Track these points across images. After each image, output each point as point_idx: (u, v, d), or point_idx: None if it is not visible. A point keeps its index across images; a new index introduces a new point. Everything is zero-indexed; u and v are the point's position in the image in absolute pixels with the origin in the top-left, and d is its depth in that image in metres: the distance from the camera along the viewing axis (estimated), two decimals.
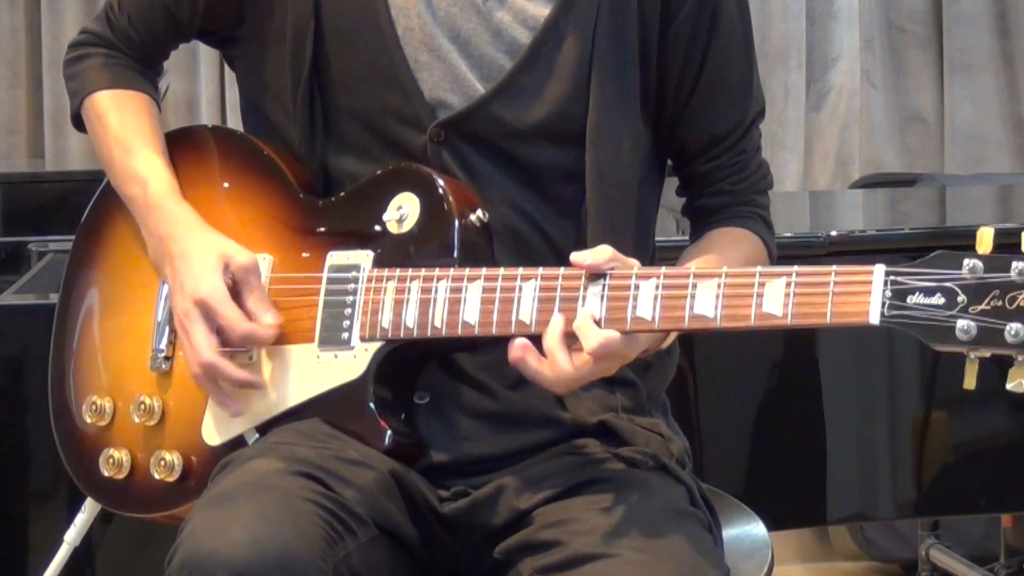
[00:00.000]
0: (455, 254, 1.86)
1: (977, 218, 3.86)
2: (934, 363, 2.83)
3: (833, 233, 2.85)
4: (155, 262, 1.99)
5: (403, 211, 1.90)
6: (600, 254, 1.77)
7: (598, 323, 1.74)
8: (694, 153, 2.01)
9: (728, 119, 2.00)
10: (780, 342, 2.81)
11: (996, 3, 4.95)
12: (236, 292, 1.91)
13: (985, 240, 1.60)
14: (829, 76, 4.91)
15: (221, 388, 1.90)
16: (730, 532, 2.04)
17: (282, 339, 1.92)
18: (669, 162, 2.06)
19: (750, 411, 2.82)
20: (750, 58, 2.02)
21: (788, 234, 2.84)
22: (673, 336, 1.83)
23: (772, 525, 2.16)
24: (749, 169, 2.03)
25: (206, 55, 4.76)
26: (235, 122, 4.91)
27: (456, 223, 1.87)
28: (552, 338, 1.75)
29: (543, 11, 1.92)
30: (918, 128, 4.99)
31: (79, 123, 2.11)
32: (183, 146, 2.06)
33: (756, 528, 2.13)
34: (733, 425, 2.81)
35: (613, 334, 1.73)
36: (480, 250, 1.88)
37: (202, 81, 4.82)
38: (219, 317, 1.89)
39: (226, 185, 2.02)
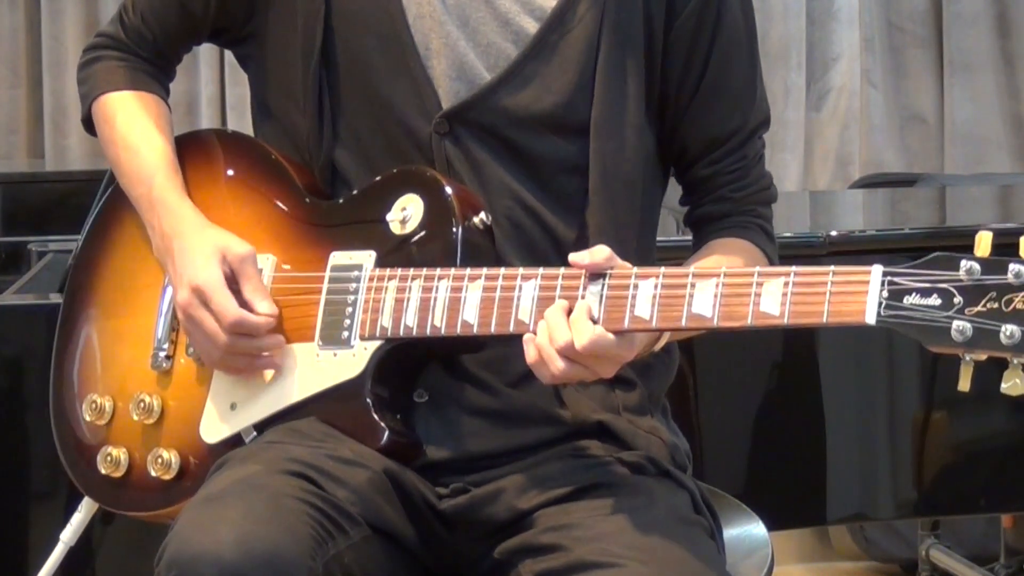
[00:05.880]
0: (457, 256, 1.86)
1: (977, 218, 3.86)
2: (934, 363, 2.83)
3: (833, 233, 2.85)
4: (159, 258, 2.00)
5: (407, 212, 1.90)
6: (598, 253, 1.77)
7: (595, 321, 1.75)
8: (695, 156, 2.01)
9: (730, 122, 2.00)
10: (780, 343, 2.81)
11: (996, 3, 4.95)
12: (234, 282, 1.92)
13: (983, 244, 1.60)
14: (829, 76, 4.91)
15: (251, 355, 1.90)
16: (730, 532, 2.04)
17: (283, 338, 1.92)
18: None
19: (750, 411, 2.82)
20: (754, 63, 2.02)
21: (788, 234, 2.84)
22: (666, 337, 1.83)
23: (772, 525, 2.16)
24: (750, 177, 2.02)
25: (206, 55, 4.75)
26: (235, 122, 4.93)
27: (459, 225, 1.87)
28: (554, 311, 1.75)
29: (550, 1, 1.93)
30: (918, 128, 4.98)
31: (90, 126, 2.11)
32: (190, 149, 2.06)
33: (756, 528, 2.14)
34: (733, 425, 2.81)
35: (605, 333, 1.73)
36: (482, 253, 1.88)
37: (202, 81, 4.81)
38: (212, 303, 1.90)
39: (232, 187, 2.03)
